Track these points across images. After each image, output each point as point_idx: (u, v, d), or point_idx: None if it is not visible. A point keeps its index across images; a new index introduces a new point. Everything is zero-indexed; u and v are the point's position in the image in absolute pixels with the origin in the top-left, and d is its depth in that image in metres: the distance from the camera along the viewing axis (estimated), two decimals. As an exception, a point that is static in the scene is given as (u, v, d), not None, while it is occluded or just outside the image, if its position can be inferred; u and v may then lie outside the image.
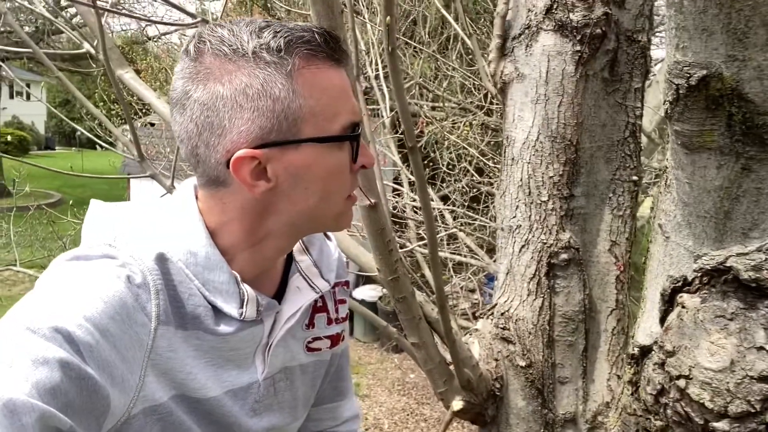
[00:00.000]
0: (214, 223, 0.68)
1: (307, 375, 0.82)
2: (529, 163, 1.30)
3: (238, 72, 0.62)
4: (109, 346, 0.56)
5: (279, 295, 0.76)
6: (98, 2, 1.20)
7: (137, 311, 0.60)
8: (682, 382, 0.64)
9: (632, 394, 0.78)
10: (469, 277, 4.63)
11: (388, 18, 0.78)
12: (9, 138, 19.94)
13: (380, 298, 6.05)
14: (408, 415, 5.11)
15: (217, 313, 0.67)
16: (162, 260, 0.64)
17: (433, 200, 3.86)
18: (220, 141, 0.63)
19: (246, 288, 0.68)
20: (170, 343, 0.63)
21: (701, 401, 0.61)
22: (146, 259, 0.63)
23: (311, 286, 0.79)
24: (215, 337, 0.67)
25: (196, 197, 0.70)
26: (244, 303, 0.68)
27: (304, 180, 0.66)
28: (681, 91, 0.60)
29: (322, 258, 0.83)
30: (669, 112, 0.64)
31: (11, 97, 26.26)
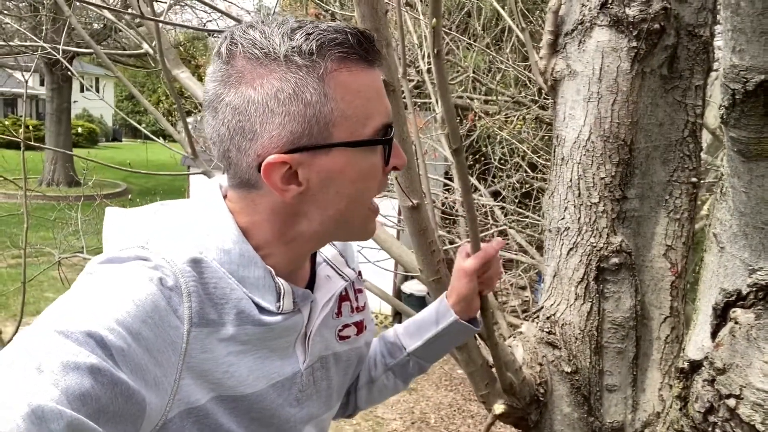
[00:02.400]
0: (245, 222, 0.68)
1: (340, 364, 0.83)
2: (579, 163, 1.26)
3: (270, 76, 0.61)
4: (141, 350, 0.55)
5: (309, 285, 0.77)
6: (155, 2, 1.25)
7: (169, 314, 0.59)
8: (732, 402, 0.61)
9: (680, 409, 0.75)
10: (520, 275, 4.56)
11: (434, 20, 0.77)
12: (80, 130, 21.08)
13: (429, 293, 6.04)
14: (455, 410, 5.10)
15: (258, 305, 0.68)
16: (196, 262, 0.64)
17: (483, 196, 3.81)
18: (252, 145, 0.63)
19: (281, 281, 0.69)
20: (203, 344, 0.62)
21: (752, 423, 0.58)
22: (178, 261, 0.63)
23: (340, 275, 0.80)
24: (262, 327, 0.67)
25: (225, 197, 0.71)
26: (281, 296, 0.68)
27: (335, 184, 0.66)
28: (737, 97, 0.57)
29: (345, 248, 0.85)
30: (725, 118, 0.60)
31: (81, 90, 27.67)
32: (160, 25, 1.27)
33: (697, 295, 0.82)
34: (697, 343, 0.78)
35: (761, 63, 0.53)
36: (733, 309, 0.64)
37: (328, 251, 0.82)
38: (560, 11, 1.30)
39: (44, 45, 1.57)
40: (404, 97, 1.11)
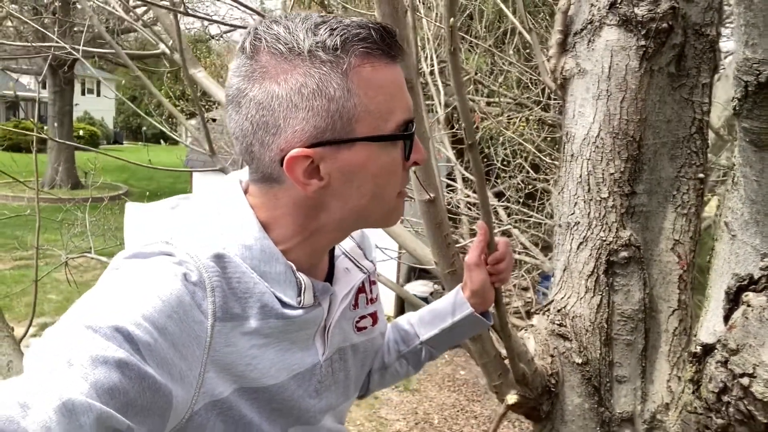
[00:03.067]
0: (267, 217, 0.69)
1: (358, 355, 0.85)
2: (588, 159, 1.29)
3: (294, 71, 0.62)
4: (167, 345, 0.56)
5: (328, 277, 0.79)
6: (169, 3, 1.28)
7: (194, 309, 0.60)
8: (745, 380, 0.63)
9: (693, 392, 0.78)
10: (523, 275, 4.57)
11: (452, 20, 0.79)
12: (81, 133, 21.10)
13: (431, 293, 6.07)
14: (458, 411, 5.11)
15: (280, 299, 0.69)
16: (219, 257, 0.64)
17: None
18: (275, 140, 0.63)
19: (302, 276, 0.70)
20: (227, 338, 0.63)
21: (765, 400, 0.61)
22: (202, 256, 0.63)
23: (358, 267, 0.82)
24: (285, 320, 0.68)
25: (245, 191, 0.71)
26: (302, 291, 0.70)
27: (357, 178, 0.66)
28: (750, 88, 0.60)
29: (363, 240, 0.86)
30: (737, 109, 0.63)
31: (83, 93, 27.78)
32: (180, 24, 1.30)
33: (708, 283, 0.85)
34: (709, 328, 0.80)
35: (773, 56, 0.56)
36: (746, 293, 0.67)
37: (346, 244, 0.83)
38: (569, 11, 1.34)
39: (63, 45, 1.60)
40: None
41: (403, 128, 0.67)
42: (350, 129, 0.64)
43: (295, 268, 0.70)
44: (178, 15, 1.33)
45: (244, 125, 0.65)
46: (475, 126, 4.46)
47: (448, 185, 4.04)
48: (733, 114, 0.65)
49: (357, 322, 0.84)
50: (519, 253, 3.84)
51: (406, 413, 5.02)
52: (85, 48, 1.52)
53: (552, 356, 1.30)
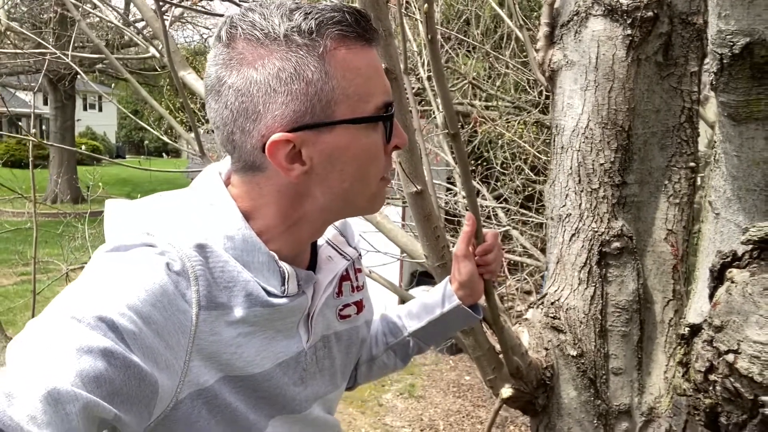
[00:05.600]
0: (249, 207, 0.69)
1: (342, 343, 0.85)
2: (578, 150, 1.29)
3: (271, 56, 0.62)
4: (152, 334, 0.56)
5: (311, 266, 0.78)
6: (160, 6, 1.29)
7: (178, 298, 0.60)
8: (730, 357, 0.63)
9: (683, 375, 0.77)
10: (525, 278, 4.55)
11: (426, 6, 0.80)
12: (83, 148, 21.20)
13: (435, 298, 6.03)
14: (464, 417, 5.07)
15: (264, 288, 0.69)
16: (201, 247, 0.64)
17: (486, 199, 3.83)
18: (255, 126, 0.63)
19: (284, 265, 0.70)
20: (212, 327, 0.63)
21: (750, 375, 0.60)
22: (184, 246, 0.63)
23: (341, 254, 0.82)
24: (271, 309, 0.68)
25: (227, 183, 0.71)
26: (285, 280, 0.70)
27: (339, 162, 0.66)
28: (725, 61, 0.59)
29: (345, 227, 0.86)
30: (714, 83, 0.63)
31: (85, 109, 27.98)
32: (167, 30, 1.30)
33: (696, 265, 0.84)
34: (697, 309, 0.80)
35: (746, 26, 0.56)
36: (729, 269, 0.67)
37: (328, 231, 0.83)
38: (556, 3, 1.34)
39: (54, 51, 1.61)
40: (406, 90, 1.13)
41: (382, 110, 0.67)
42: (330, 112, 0.64)
43: (277, 257, 0.69)
44: (164, 17, 1.34)
45: (224, 113, 0.65)
46: (473, 129, 4.47)
47: (448, 189, 4.03)
48: (710, 88, 0.65)
49: (340, 310, 0.84)
50: (520, 255, 3.82)
51: (411, 420, 4.99)
52: (74, 53, 1.53)
53: (546, 349, 1.29)
